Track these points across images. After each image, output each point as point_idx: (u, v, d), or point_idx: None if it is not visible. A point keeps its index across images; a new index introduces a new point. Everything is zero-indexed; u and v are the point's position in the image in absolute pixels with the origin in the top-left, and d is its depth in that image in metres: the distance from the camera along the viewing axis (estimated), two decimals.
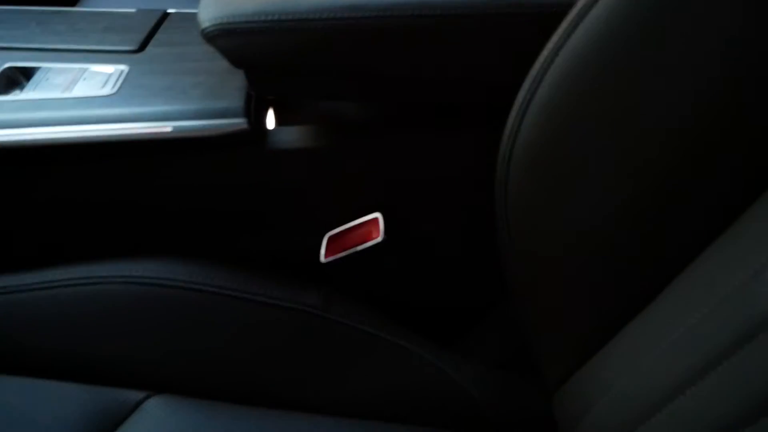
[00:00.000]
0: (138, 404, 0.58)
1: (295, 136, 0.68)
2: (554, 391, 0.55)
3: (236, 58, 0.61)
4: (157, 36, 0.78)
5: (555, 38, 0.45)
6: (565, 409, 0.53)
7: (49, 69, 0.70)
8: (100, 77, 0.69)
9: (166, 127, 0.62)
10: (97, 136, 0.62)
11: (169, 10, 0.84)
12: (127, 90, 0.67)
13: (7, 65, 0.70)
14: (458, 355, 0.71)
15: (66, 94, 0.66)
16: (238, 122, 0.63)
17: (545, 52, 0.45)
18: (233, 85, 0.67)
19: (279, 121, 0.74)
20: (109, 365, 0.61)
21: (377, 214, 0.69)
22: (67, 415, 0.54)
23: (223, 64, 0.65)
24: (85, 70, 0.70)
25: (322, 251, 0.71)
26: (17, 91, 0.68)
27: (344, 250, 0.69)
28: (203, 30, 0.58)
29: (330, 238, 0.72)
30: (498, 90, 0.59)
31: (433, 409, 0.67)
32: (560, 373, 0.53)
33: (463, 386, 0.67)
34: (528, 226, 0.50)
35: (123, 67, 0.71)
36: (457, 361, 0.70)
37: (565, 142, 0.45)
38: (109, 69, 0.70)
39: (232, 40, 0.58)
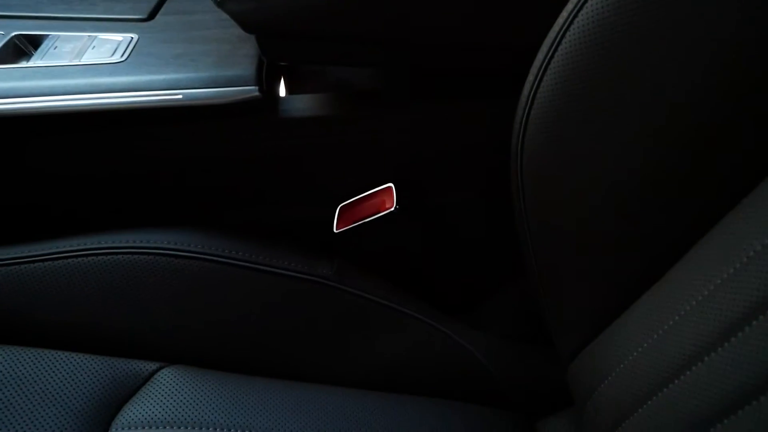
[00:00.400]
0: (151, 375, 0.58)
1: (306, 104, 0.67)
2: (568, 364, 0.55)
3: (247, 23, 0.59)
4: (166, 4, 0.77)
5: (571, 3, 0.43)
6: (579, 380, 0.52)
7: (57, 37, 0.69)
8: (109, 45, 0.67)
9: (176, 95, 0.61)
10: (107, 104, 0.60)
11: None
12: (136, 58, 0.65)
13: (14, 34, 0.68)
14: (471, 327, 0.71)
15: (74, 62, 0.64)
16: (250, 90, 0.62)
17: (563, 15, 0.44)
18: (245, 53, 0.66)
19: (290, 90, 0.73)
20: (120, 336, 0.60)
21: (390, 184, 0.67)
22: (79, 386, 0.54)
23: (234, 32, 0.64)
24: (93, 38, 0.69)
25: (335, 222, 0.70)
26: (25, 60, 0.66)
27: (357, 220, 0.68)
28: None
29: (342, 209, 0.71)
30: (511, 56, 0.59)
31: (446, 380, 0.67)
32: (574, 345, 0.53)
33: (477, 358, 0.67)
34: (542, 195, 0.49)
35: (132, 36, 0.69)
36: (470, 332, 0.69)
37: (579, 111, 0.44)
38: (118, 37, 0.69)
39: (243, 4, 0.57)
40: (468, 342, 0.68)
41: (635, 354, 0.43)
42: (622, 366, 0.44)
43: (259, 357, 0.63)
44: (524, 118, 0.47)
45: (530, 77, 0.46)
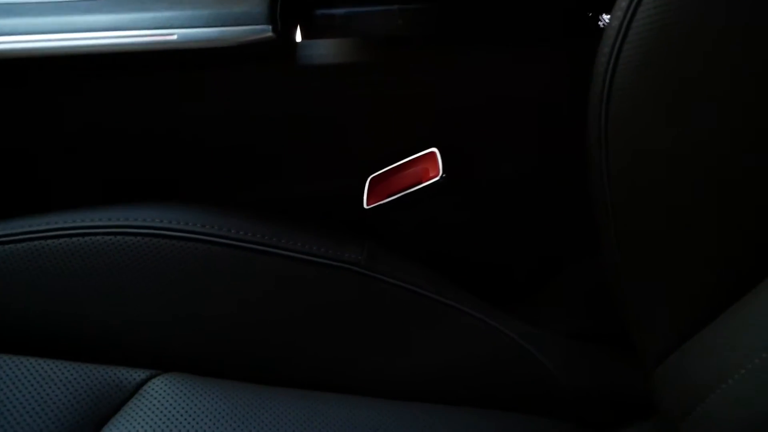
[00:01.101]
0: (139, 386, 0.52)
1: (329, 50, 0.63)
2: (652, 368, 0.50)
3: None
4: None
5: None
6: (669, 390, 0.48)
7: None
8: None
9: (169, 36, 0.55)
10: (82, 47, 0.54)
11: None
12: None
13: None
14: (526, 323, 0.66)
15: None
16: (262, 29, 0.56)
17: None
18: None
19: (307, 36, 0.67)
20: (101, 337, 0.54)
21: (433, 149, 0.61)
22: (50, 401, 0.48)
23: None
24: None
25: (365, 196, 0.65)
26: None
27: (392, 193, 0.63)
28: None
29: (373, 181, 0.65)
30: None
31: (499, 385, 0.61)
32: (662, 345, 0.49)
33: (537, 358, 0.61)
34: (632, 158, 0.45)
35: None
36: (526, 328, 0.64)
37: (683, 49, 0.41)
38: None
39: None
40: (525, 339, 0.62)
41: (756, 361, 0.38)
42: (737, 376, 0.39)
43: (273, 360, 0.57)
44: (612, 61, 0.44)
45: (618, 13, 0.44)
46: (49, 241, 0.54)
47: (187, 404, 0.50)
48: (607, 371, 0.66)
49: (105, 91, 0.60)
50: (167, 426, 0.48)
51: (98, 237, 0.54)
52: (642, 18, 0.42)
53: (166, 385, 0.51)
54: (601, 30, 0.64)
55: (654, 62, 0.42)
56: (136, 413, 0.49)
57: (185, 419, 0.49)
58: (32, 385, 0.48)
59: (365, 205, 0.64)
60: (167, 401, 0.50)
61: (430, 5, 0.68)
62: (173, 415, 0.49)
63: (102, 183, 0.66)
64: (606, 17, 0.65)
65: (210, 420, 0.49)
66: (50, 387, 0.49)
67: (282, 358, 0.57)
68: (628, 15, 0.42)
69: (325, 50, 0.62)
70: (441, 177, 0.59)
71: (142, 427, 0.48)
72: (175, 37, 0.55)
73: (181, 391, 0.51)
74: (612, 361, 0.66)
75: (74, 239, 0.54)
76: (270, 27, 0.56)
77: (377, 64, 0.63)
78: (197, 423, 0.49)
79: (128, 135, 0.63)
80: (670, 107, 0.42)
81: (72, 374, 0.50)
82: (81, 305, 0.54)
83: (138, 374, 0.52)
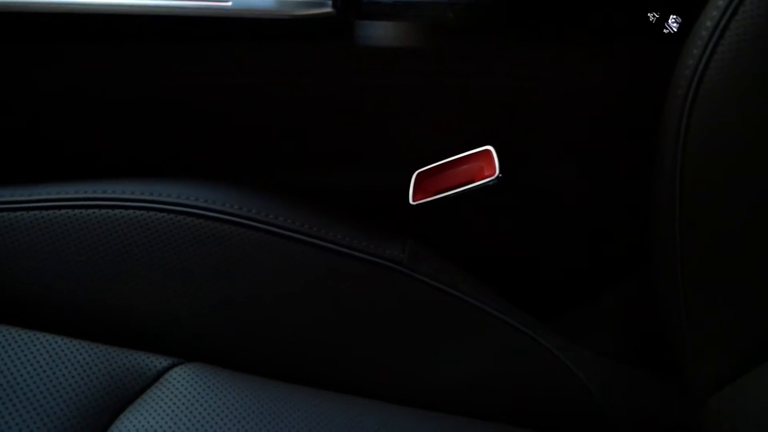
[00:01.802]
0: (160, 373, 0.49)
1: (390, 32, 0.59)
2: (705, 398, 0.49)
3: None
4: None
5: None
6: (724, 424, 0.47)
7: None
8: None
9: (224, 3, 0.53)
10: (129, 6, 0.52)
11: None
12: None
13: None
14: (572, 341, 0.63)
15: None
16: (321, 3, 0.54)
17: None
18: None
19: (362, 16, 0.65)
20: (123, 318, 0.51)
21: (489, 147, 0.58)
22: (65, 381, 0.45)
23: None
24: None
25: (411, 191, 0.62)
26: None
27: (440, 191, 0.59)
28: None
29: (420, 176, 0.62)
30: None
31: (534, 399, 0.59)
32: (718, 375, 0.47)
33: (576, 374, 0.59)
34: (709, 165, 0.44)
35: None
36: (572, 347, 0.61)
37: None
38: None
39: None
40: (563, 353, 0.59)
41: None
42: None
43: (304, 358, 0.54)
44: (704, 58, 0.43)
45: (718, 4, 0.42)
46: (77, 211, 0.51)
47: (212, 397, 0.47)
48: (645, 394, 0.64)
49: (134, 58, 0.58)
50: (189, 418, 0.46)
51: (130, 211, 0.52)
52: (742, 19, 0.40)
53: (189, 375, 0.49)
54: (665, 34, 0.61)
55: (747, 65, 0.41)
56: (156, 402, 0.46)
57: (208, 412, 0.46)
58: (47, 363, 0.46)
59: (411, 201, 0.61)
60: (190, 392, 0.47)
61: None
62: (196, 407, 0.46)
63: (117, 156, 0.64)
64: (673, 22, 0.63)
65: (236, 415, 0.47)
66: (66, 367, 0.46)
67: (312, 356, 0.55)
68: (727, 15, 0.41)
69: (386, 32, 0.59)
70: (497, 177, 0.55)
71: (162, 417, 0.45)
72: (230, 3, 0.53)
73: (206, 382, 0.48)
74: (651, 385, 0.64)
75: (104, 211, 0.51)
76: (330, 2, 0.54)
77: (435, 50, 0.60)
78: (222, 417, 0.46)
79: (168, 109, 0.61)
80: (753, 114, 0.42)
81: (89, 355, 0.47)
82: (104, 283, 0.52)
83: (159, 361, 0.49)
